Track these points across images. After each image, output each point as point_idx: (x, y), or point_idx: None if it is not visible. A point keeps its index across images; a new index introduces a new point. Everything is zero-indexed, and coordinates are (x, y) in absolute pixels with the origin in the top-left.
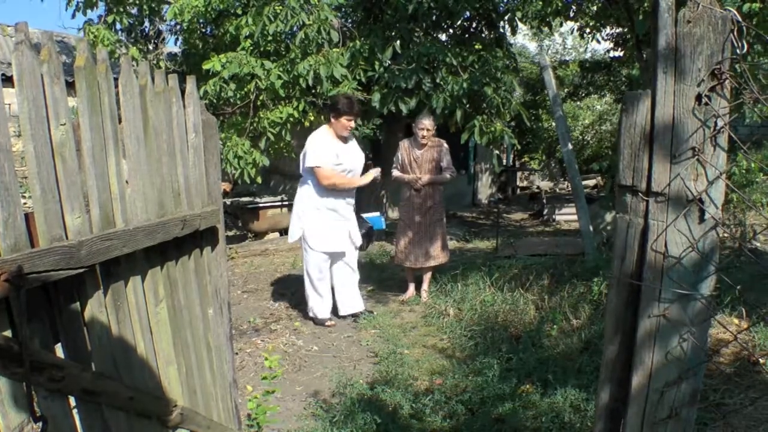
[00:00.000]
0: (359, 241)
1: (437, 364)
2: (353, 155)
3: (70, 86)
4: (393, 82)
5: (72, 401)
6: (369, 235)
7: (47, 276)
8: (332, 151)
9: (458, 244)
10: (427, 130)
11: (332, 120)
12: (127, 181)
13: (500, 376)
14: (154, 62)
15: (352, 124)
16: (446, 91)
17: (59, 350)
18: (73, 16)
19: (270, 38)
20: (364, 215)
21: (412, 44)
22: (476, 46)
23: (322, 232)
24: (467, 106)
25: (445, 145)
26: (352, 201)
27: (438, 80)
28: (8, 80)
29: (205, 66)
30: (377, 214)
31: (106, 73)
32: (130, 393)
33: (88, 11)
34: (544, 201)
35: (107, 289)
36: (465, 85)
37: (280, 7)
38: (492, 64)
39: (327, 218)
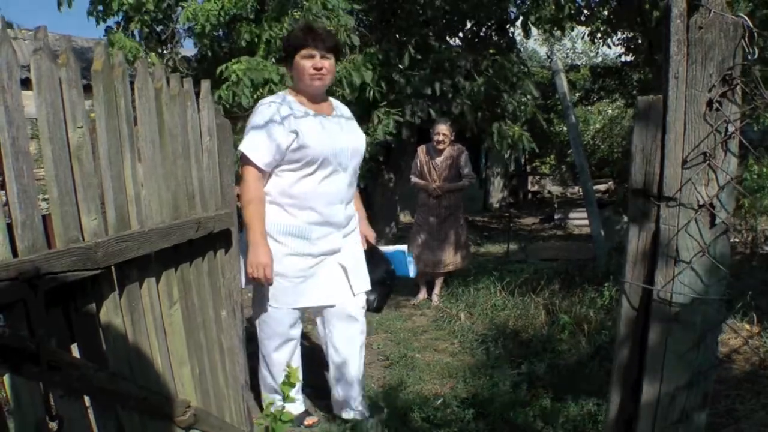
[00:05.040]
0: (362, 286)
1: (448, 368)
2: (338, 138)
3: (87, 89)
4: (410, 87)
5: (87, 401)
6: (386, 285)
7: (64, 277)
8: (287, 127)
9: (471, 248)
10: (443, 134)
11: (291, 70)
12: (142, 184)
13: (511, 380)
14: (171, 64)
15: (318, 62)
16: (464, 96)
17: (75, 351)
18: (97, 24)
19: None
20: (384, 249)
21: (430, 51)
22: (490, 51)
23: (279, 276)
24: (486, 110)
25: (465, 151)
26: (342, 218)
27: (458, 85)
28: (23, 82)
29: (225, 71)
30: (403, 248)
31: (122, 77)
32: (144, 393)
33: (106, 19)
34: (555, 205)
35: (122, 290)
36: (482, 89)
37: (299, 13)
38: (507, 69)
39: (289, 254)
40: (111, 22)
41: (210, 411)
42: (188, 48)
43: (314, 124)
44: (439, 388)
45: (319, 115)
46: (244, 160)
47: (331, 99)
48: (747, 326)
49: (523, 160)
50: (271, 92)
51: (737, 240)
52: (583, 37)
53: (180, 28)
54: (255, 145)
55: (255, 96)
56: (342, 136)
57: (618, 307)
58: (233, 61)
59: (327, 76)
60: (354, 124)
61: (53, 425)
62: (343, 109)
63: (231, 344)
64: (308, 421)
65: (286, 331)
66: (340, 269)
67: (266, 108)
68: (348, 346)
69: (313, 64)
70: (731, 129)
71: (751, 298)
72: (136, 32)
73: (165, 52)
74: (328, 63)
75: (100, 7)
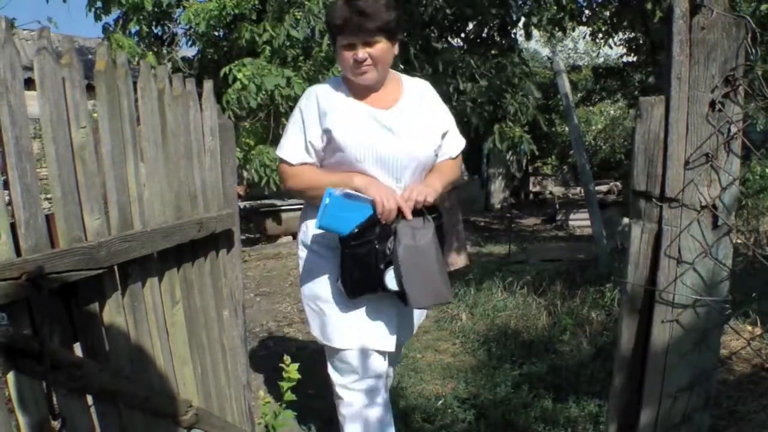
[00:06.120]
0: (405, 336)
1: (449, 369)
2: (388, 140)
3: (89, 89)
4: None
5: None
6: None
7: (67, 276)
8: (322, 124)
9: (471, 249)
10: None
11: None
12: (144, 184)
13: (512, 381)
14: (172, 65)
15: (360, 53)
16: (467, 98)
17: (78, 350)
18: (96, 20)
19: (289, 44)
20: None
21: (433, 52)
22: (492, 52)
23: (325, 304)
24: (489, 112)
25: None
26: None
27: (461, 87)
28: (26, 82)
29: (228, 73)
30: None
31: (125, 77)
32: (147, 393)
33: (104, 16)
34: (557, 206)
35: (125, 290)
36: (483, 90)
37: (300, 13)
38: (510, 71)
39: (332, 271)
40: (110, 19)
41: (212, 411)
42: (186, 49)
43: (355, 121)
44: (440, 389)
45: (369, 109)
46: (280, 164)
47: (406, 81)
48: (749, 327)
49: (524, 161)
50: (281, 96)
51: (739, 241)
52: (584, 37)
53: (180, 28)
54: (287, 144)
55: (259, 98)
56: (395, 138)
57: (620, 308)
58: (236, 63)
59: (374, 67)
60: (423, 119)
61: (56, 424)
62: (416, 98)
63: (233, 344)
64: None
65: (358, 370)
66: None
67: (304, 100)
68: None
69: (354, 56)
70: (734, 130)
71: (753, 299)
72: (134, 31)
73: (164, 52)
74: (374, 50)
75: (99, 3)
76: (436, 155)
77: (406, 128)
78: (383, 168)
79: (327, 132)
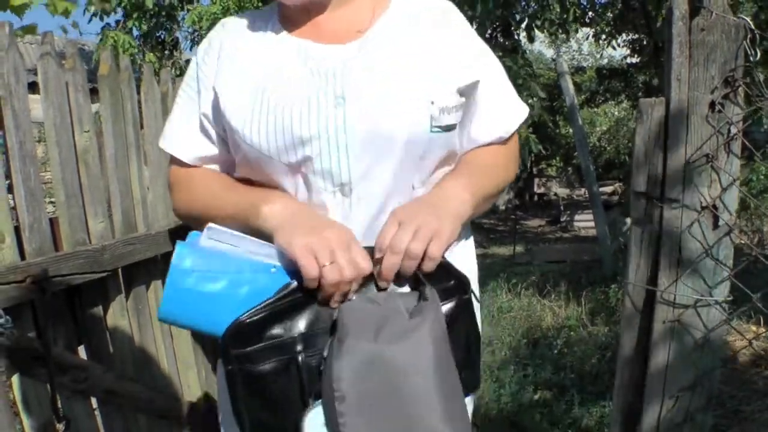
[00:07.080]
0: None
1: None
2: (325, 104)
3: (93, 92)
4: None
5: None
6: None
7: (71, 279)
8: (216, 77)
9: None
10: None
11: None
12: (148, 187)
13: (517, 382)
14: (172, 69)
15: None
16: None
17: (82, 352)
18: (90, 20)
19: None
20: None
21: None
22: (497, 54)
23: None
24: None
25: None
26: None
27: None
28: (30, 86)
29: None
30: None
31: (128, 81)
32: (151, 395)
33: (105, 16)
34: (562, 207)
35: (129, 292)
36: None
37: None
38: (514, 72)
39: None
40: (111, 20)
41: (216, 413)
42: (189, 54)
43: (264, 66)
44: None
45: (303, 45)
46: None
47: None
48: (753, 327)
49: (529, 162)
50: None
51: (742, 241)
52: (587, 38)
53: (184, 30)
54: (171, 126)
55: None
56: (338, 94)
57: (622, 308)
58: None
59: None
60: (414, 54)
61: (60, 426)
62: (406, 18)
63: None
64: None
65: None
66: None
67: (203, 45)
68: None
69: None
70: (734, 130)
71: (757, 299)
72: (134, 30)
73: (166, 53)
74: None
75: None
76: (453, 127)
77: (368, 74)
78: (308, 167)
79: (213, 90)
